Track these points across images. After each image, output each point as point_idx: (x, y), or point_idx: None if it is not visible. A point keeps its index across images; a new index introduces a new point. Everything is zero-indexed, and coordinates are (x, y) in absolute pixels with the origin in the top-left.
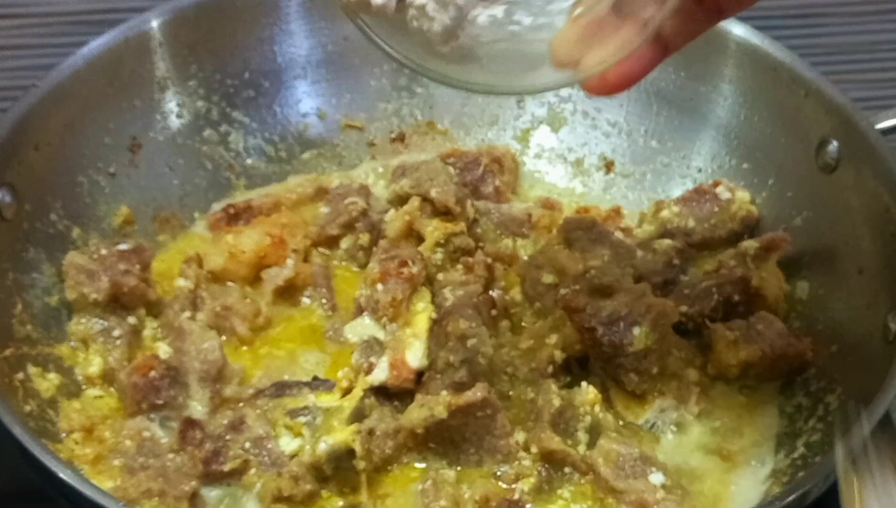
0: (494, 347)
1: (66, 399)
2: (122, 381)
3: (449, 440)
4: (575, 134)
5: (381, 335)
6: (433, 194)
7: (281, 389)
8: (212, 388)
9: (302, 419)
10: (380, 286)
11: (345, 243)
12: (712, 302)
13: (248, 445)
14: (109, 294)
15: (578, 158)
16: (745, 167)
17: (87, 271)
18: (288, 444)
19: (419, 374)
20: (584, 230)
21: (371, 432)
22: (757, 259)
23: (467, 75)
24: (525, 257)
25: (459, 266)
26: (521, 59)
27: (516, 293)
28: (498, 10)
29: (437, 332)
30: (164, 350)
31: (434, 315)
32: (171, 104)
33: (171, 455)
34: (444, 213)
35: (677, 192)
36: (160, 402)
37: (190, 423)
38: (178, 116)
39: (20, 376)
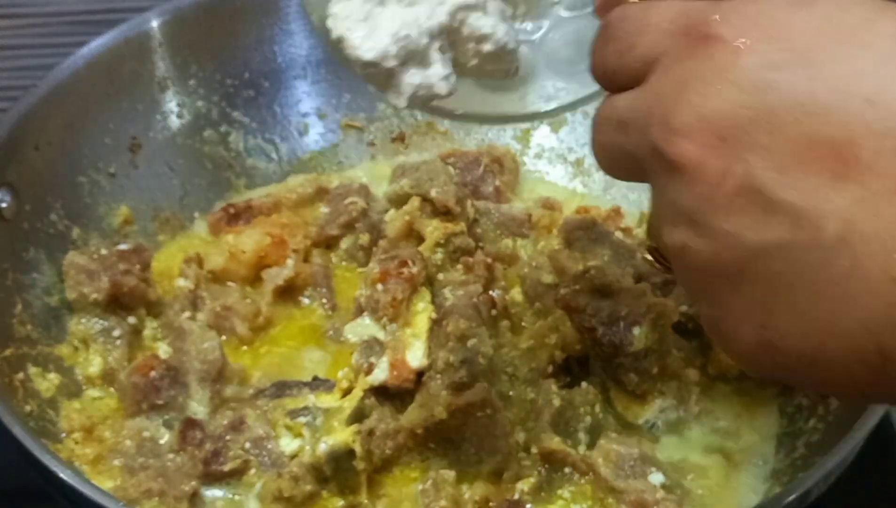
0: (494, 347)
1: (66, 399)
2: (122, 381)
3: (449, 441)
4: (575, 134)
5: (381, 335)
6: (433, 194)
7: (281, 389)
8: (212, 388)
9: (302, 420)
10: (380, 286)
11: (345, 243)
12: None
13: (248, 445)
14: (109, 294)
15: (578, 158)
16: None
17: (87, 271)
18: (288, 444)
19: (419, 374)
20: (584, 230)
21: (371, 432)
22: None
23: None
24: (525, 257)
25: (459, 266)
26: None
27: (516, 293)
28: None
29: (437, 332)
30: (164, 350)
31: (434, 315)
32: (171, 104)
33: (171, 455)
34: (444, 213)
35: None
36: (160, 402)
37: (190, 423)
38: (178, 116)
39: (20, 376)
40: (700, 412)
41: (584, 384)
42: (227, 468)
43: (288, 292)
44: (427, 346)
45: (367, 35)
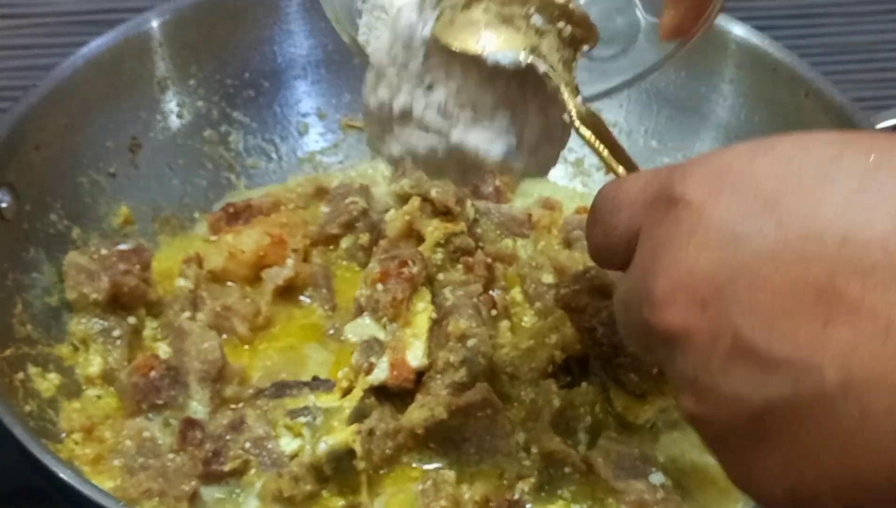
0: (494, 347)
1: (66, 399)
2: (122, 381)
3: (449, 440)
4: (575, 134)
5: (381, 334)
6: (433, 194)
7: (281, 389)
8: (212, 388)
9: (302, 420)
10: (380, 286)
11: (345, 243)
12: None
13: (248, 445)
14: (109, 294)
15: (578, 158)
16: None
17: (87, 271)
18: (288, 444)
19: (419, 374)
20: (584, 230)
21: (371, 432)
22: None
23: None
24: (525, 257)
25: (459, 266)
26: None
27: (516, 293)
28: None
29: (437, 332)
30: (164, 350)
31: (434, 315)
32: (171, 104)
33: (171, 455)
34: (444, 213)
35: None
36: (160, 402)
37: (190, 423)
38: (178, 116)
39: (20, 376)
40: None
41: (584, 385)
42: (227, 468)
43: (288, 292)
44: (427, 346)
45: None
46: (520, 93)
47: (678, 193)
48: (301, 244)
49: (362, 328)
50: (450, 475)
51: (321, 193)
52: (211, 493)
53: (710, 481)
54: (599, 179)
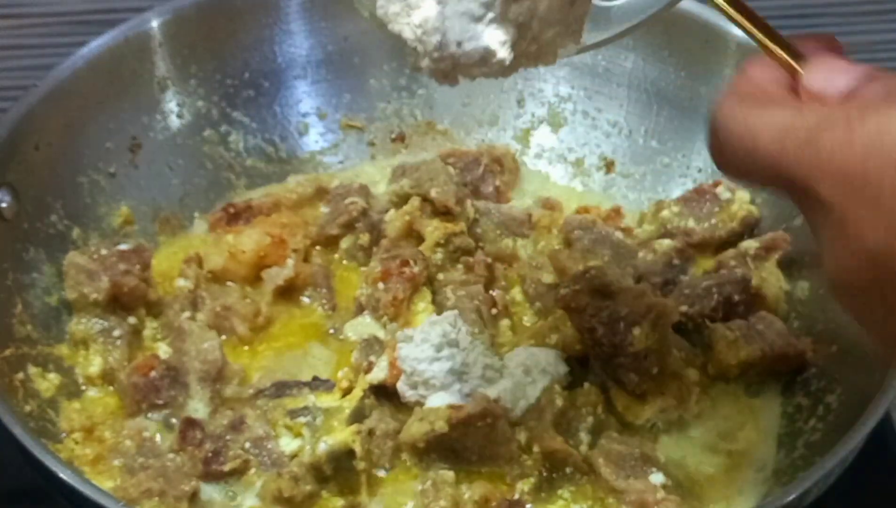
0: (495, 347)
1: (66, 399)
2: (122, 381)
3: (450, 450)
4: (575, 134)
5: (381, 334)
6: (433, 194)
7: (281, 389)
8: (212, 388)
9: (302, 420)
10: (381, 285)
11: (345, 243)
12: (712, 302)
13: (248, 445)
14: (109, 294)
15: (578, 158)
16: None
17: (87, 271)
18: (288, 444)
19: None
20: (584, 230)
21: (371, 432)
22: (757, 259)
23: None
24: (525, 257)
25: (460, 266)
26: None
27: (516, 293)
28: None
29: None
30: (164, 350)
31: (434, 315)
32: (171, 104)
33: (171, 455)
34: (444, 213)
35: (677, 192)
36: (160, 402)
37: (190, 423)
38: (178, 116)
39: (20, 376)
40: (700, 412)
41: (586, 385)
42: (227, 468)
43: (288, 292)
44: None
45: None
46: None
47: (816, 192)
48: (301, 244)
49: (362, 326)
50: (449, 475)
51: (321, 193)
52: (211, 493)
53: (709, 481)
54: (599, 179)
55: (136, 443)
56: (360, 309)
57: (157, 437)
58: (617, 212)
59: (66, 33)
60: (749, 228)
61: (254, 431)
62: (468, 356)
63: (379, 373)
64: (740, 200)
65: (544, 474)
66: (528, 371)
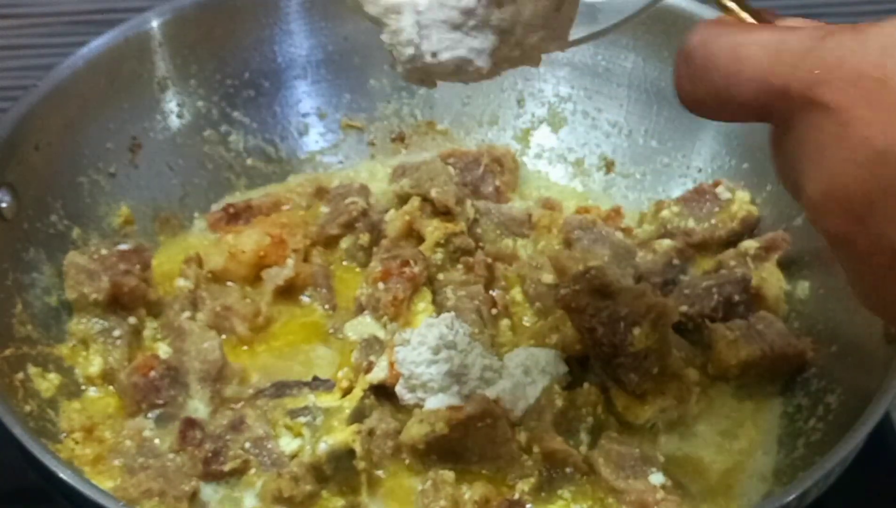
0: (495, 346)
1: (66, 399)
2: (122, 381)
3: (450, 451)
4: (575, 134)
5: (381, 333)
6: (433, 194)
7: (281, 389)
8: (212, 388)
9: (302, 420)
10: (381, 285)
11: (345, 243)
12: (712, 302)
13: (248, 445)
14: (109, 294)
15: (578, 158)
16: (745, 167)
17: (87, 271)
18: (288, 444)
19: None
20: (584, 230)
21: (371, 432)
22: (757, 259)
23: None
24: (525, 257)
25: (460, 266)
26: None
27: (516, 293)
28: None
29: None
30: (164, 350)
31: (434, 315)
32: (171, 104)
33: (171, 455)
34: (444, 213)
35: (677, 192)
36: (160, 402)
37: (190, 423)
38: (178, 116)
39: (20, 376)
40: (700, 412)
41: (586, 385)
42: (227, 468)
43: (288, 292)
44: None
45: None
46: None
47: (817, 96)
48: (301, 244)
49: (362, 326)
50: (449, 475)
51: (321, 193)
52: (211, 493)
53: (709, 481)
54: (599, 179)
55: (136, 443)
56: (360, 309)
57: (158, 437)
58: (617, 212)
59: (66, 33)
60: (749, 228)
61: (254, 431)
62: (466, 357)
63: (379, 373)
64: (740, 200)
65: (544, 474)
66: (527, 372)
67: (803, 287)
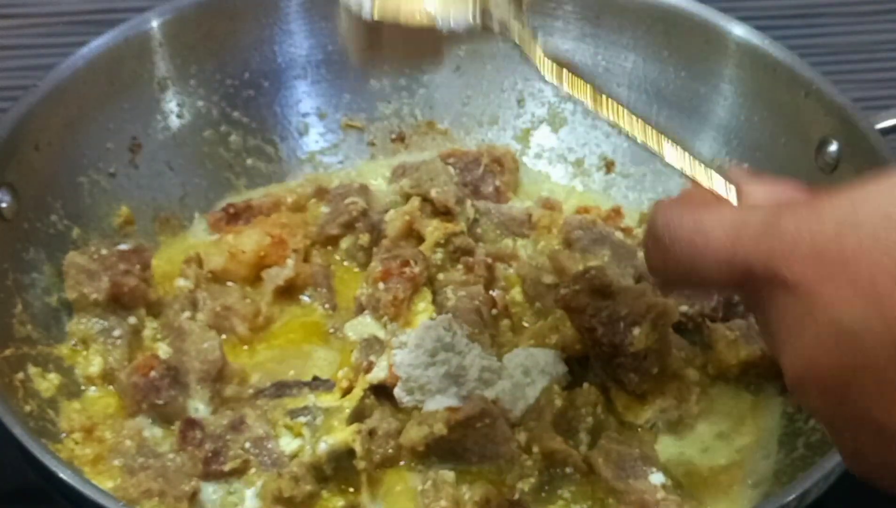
0: (495, 347)
1: (66, 399)
2: (122, 381)
3: (450, 452)
4: (575, 134)
5: (381, 333)
6: (433, 194)
7: (281, 389)
8: (212, 388)
9: (302, 419)
10: (381, 285)
11: (345, 243)
12: (712, 302)
13: (248, 445)
14: (109, 294)
15: (578, 158)
16: (745, 167)
17: (87, 271)
18: (288, 444)
19: None
20: (584, 230)
21: (371, 432)
22: None
23: None
24: (525, 257)
25: (460, 266)
26: None
27: (516, 293)
28: None
29: None
30: (164, 350)
31: (434, 315)
32: (171, 104)
33: (171, 455)
34: (444, 213)
35: (677, 192)
36: (160, 402)
37: (190, 423)
38: (178, 116)
39: (20, 376)
40: (700, 412)
41: (585, 385)
42: (227, 467)
43: (288, 292)
44: None
45: None
46: None
47: (780, 274)
48: (301, 244)
49: (363, 326)
50: (450, 475)
51: (321, 193)
52: (211, 493)
53: (710, 481)
54: (599, 179)
55: (136, 443)
56: (360, 309)
57: (158, 437)
58: (617, 212)
59: (66, 33)
60: None
61: (254, 431)
62: (464, 359)
63: (379, 373)
64: None
65: (544, 474)
66: (526, 372)
67: None
